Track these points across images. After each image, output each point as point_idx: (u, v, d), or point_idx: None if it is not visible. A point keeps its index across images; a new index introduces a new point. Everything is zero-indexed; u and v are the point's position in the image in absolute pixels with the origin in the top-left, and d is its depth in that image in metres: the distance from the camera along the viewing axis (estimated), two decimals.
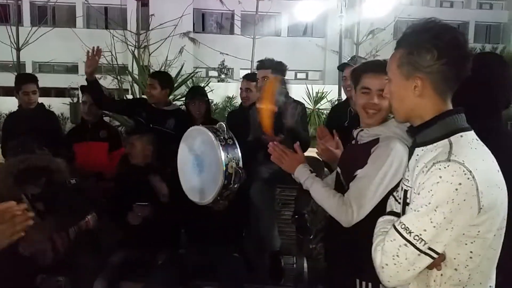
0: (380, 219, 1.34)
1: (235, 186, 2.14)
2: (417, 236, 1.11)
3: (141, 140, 2.98)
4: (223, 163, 2.06)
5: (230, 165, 2.08)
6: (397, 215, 1.32)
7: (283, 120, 3.05)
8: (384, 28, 15.84)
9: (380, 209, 1.54)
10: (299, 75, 21.02)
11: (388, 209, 1.41)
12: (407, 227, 1.13)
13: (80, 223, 2.86)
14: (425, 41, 1.19)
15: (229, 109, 12.18)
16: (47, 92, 17.57)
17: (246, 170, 2.70)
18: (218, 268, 2.67)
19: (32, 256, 2.63)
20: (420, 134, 1.24)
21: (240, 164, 2.12)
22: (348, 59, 3.86)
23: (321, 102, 15.05)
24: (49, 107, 5.85)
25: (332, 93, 14.74)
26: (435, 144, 1.19)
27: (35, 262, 2.66)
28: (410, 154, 1.30)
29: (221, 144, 2.09)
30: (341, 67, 3.55)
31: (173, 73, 8.46)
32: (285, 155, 1.89)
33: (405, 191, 1.26)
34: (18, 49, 9.43)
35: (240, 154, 2.14)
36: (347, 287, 1.76)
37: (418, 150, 1.24)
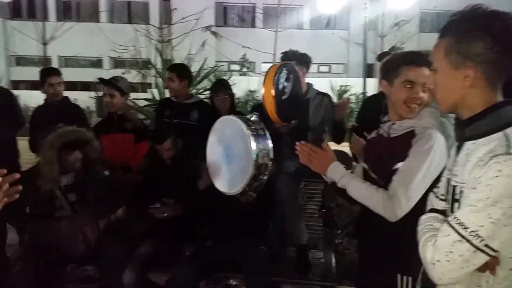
0: (423, 217, 1.29)
1: (265, 177, 2.11)
2: (473, 232, 1.05)
3: (165, 146, 2.99)
4: (253, 153, 2.02)
5: (261, 156, 2.05)
6: (439, 212, 1.27)
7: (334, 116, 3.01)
8: (409, 20, 15.48)
9: (419, 204, 1.50)
10: (322, 69, 20.79)
11: (428, 206, 1.36)
12: (463, 223, 1.07)
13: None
14: (476, 29, 1.12)
15: (251, 103, 12.14)
16: (72, 86, 17.92)
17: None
18: (243, 261, 2.65)
19: (63, 246, 2.67)
20: (471, 127, 1.18)
21: (271, 155, 2.09)
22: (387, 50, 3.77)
23: (344, 96, 14.85)
24: (75, 101, 5.94)
25: (356, 86, 14.53)
26: (487, 137, 1.12)
27: (66, 253, 2.70)
28: (458, 148, 1.24)
29: (252, 134, 2.06)
30: (381, 57, 3.43)
31: (195, 67, 8.48)
32: (314, 154, 1.82)
33: (454, 187, 1.20)
34: (45, 44, 9.62)
35: (271, 146, 2.11)
36: (385, 283, 1.71)
37: (468, 144, 1.18)
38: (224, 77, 10.53)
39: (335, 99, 13.67)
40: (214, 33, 14.68)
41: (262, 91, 2.58)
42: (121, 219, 3.10)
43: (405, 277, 1.67)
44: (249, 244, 2.76)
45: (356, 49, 17.83)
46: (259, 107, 3.90)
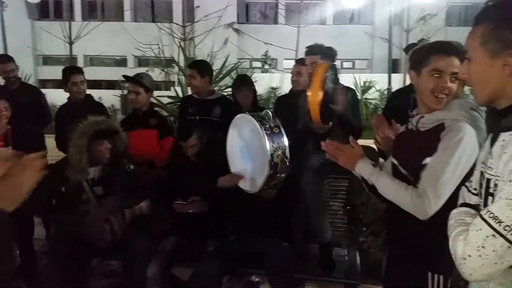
0: (454, 211, 1.24)
1: (282, 175, 2.08)
2: (508, 226, 1.00)
3: (190, 143, 2.99)
4: (268, 152, 2.00)
5: (276, 155, 2.03)
6: (471, 206, 1.22)
7: (333, 107, 2.95)
8: (436, 14, 15.11)
9: (451, 198, 1.45)
10: (345, 64, 20.52)
11: (460, 201, 1.30)
12: (496, 217, 1.02)
13: (135, 208, 2.93)
14: None
15: (273, 100, 12.11)
16: (98, 84, 18.29)
17: (295, 159, 2.65)
18: (266, 257, 2.63)
19: (91, 237, 2.72)
20: (508, 118, 1.12)
21: (287, 153, 2.06)
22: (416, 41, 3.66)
23: (369, 92, 14.60)
24: (99, 99, 6.06)
25: (381, 82, 14.27)
26: None
27: (93, 244, 2.75)
28: (493, 139, 1.18)
29: (266, 133, 2.03)
30: (409, 49, 3.33)
31: (217, 64, 8.51)
32: (340, 152, 1.78)
33: (488, 180, 1.14)
34: (71, 43, 9.83)
35: (286, 143, 2.07)
36: (415, 281, 1.66)
37: (504, 135, 1.12)
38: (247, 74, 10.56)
39: (358, 95, 13.45)
40: (236, 30, 14.72)
41: (308, 93, 2.53)
42: (146, 214, 3.13)
43: (436, 276, 1.61)
44: (272, 241, 2.74)
45: (380, 44, 17.51)
46: (285, 98, 3.88)
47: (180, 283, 2.91)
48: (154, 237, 3.00)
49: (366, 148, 2.95)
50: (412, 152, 1.69)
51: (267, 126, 2.09)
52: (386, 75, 14.51)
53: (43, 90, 5.03)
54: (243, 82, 3.69)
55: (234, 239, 2.95)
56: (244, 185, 2.28)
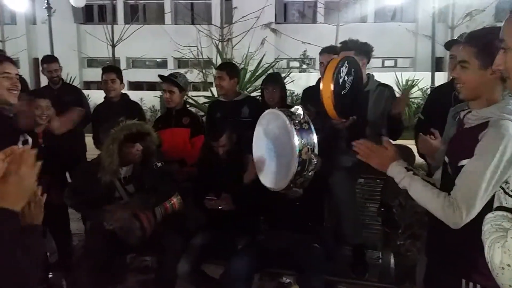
0: (490, 215, 1.15)
1: (310, 173, 2.01)
2: None
3: (221, 142, 3.00)
4: (296, 148, 1.94)
5: (304, 151, 1.95)
6: (508, 210, 1.12)
7: (393, 111, 2.86)
8: (483, 9, 14.36)
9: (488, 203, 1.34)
10: (387, 63, 19.97)
11: (496, 204, 1.20)
12: None
13: (166, 205, 2.96)
14: None
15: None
16: (139, 86, 18.84)
17: (326, 157, 2.57)
18: (297, 257, 2.58)
19: (122, 235, 2.77)
20: None
21: (316, 150, 1.98)
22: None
23: (411, 91, 14.10)
24: (141, 100, 6.22)
25: (424, 80, 13.76)
26: None
27: (125, 242, 2.80)
28: None
29: (295, 129, 1.97)
30: (449, 45, 3.18)
31: (254, 64, 8.51)
32: (373, 153, 1.71)
33: None
34: (113, 46, 10.16)
35: (315, 140, 2.00)
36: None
37: None
38: (284, 74, 10.50)
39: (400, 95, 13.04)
40: (274, 30, 14.71)
41: (321, 85, 2.48)
42: (177, 210, 3.16)
43: (471, 284, 1.50)
44: (303, 241, 2.69)
45: (424, 41, 16.90)
46: (311, 90, 3.81)
47: (210, 281, 2.91)
48: (185, 234, 3.03)
49: (403, 148, 2.85)
50: (455, 151, 1.60)
51: (296, 121, 2.03)
52: (429, 74, 13.98)
53: (87, 91, 5.22)
54: (271, 80, 3.68)
55: (263, 237, 2.92)
56: (268, 182, 2.23)
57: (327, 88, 2.40)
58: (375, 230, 3.14)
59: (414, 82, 14.29)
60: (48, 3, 10.89)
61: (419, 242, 3.69)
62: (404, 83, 14.20)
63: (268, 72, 8.75)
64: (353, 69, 2.54)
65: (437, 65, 14.32)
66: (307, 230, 2.76)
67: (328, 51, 3.52)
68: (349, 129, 2.86)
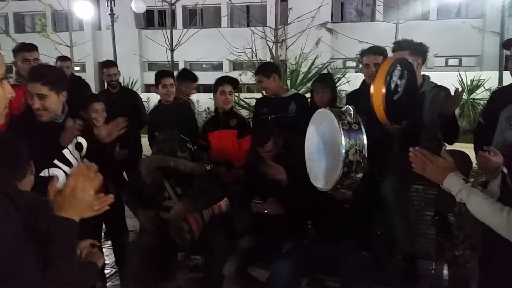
0: None
1: (358, 175, 1.94)
2: None
3: (266, 148, 2.98)
4: (343, 148, 1.88)
5: (352, 152, 1.90)
6: None
7: (444, 110, 2.73)
8: None
9: None
10: (451, 62, 18.95)
11: None
12: None
13: (214, 207, 3.01)
14: None
15: None
16: (196, 88, 19.32)
17: (378, 161, 2.48)
18: (343, 264, 2.52)
19: (173, 234, 2.86)
20: None
21: (365, 151, 1.92)
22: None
23: (476, 91, 13.25)
24: (197, 102, 6.39)
25: (491, 80, 12.89)
26: None
27: (175, 242, 2.88)
28: None
29: (343, 129, 1.91)
30: (508, 44, 2.96)
31: (308, 65, 8.42)
32: (429, 162, 1.63)
33: None
34: (172, 50, 10.50)
35: (365, 141, 1.93)
36: None
37: None
38: (337, 75, 10.30)
39: (465, 96, 12.31)
40: (330, 30, 14.48)
41: (371, 89, 2.40)
42: (225, 212, 3.20)
43: None
44: (350, 247, 2.61)
45: (491, 38, 15.85)
46: (356, 93, 3.70)
47: (256, 283, 2.92)
48: (233, 236, 3.06)
49: (460, 154, 2.69)
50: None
51: (345, 121, 1.97)
52: (497, 73, 13.08)
53: (148, 94, 5.43)
54: (321, 81, 3.64)
55: (309, 242, 2.88)
56: (318, 182, 2.19)
57: (379, 95, 2.31)
58: (431, 239, 2.99)
59: (480, 82, 13.39)
60: (111, 10, 11.53)
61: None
62: (468, 83, 13.37)
63: (321, 72, 8.65)
64: (406, 71, 2.42)
65: (505, 63, 13.35)
66: (356, 237, 2.69)
67: (372, 52, 3.38)
68: (403, 132, 2.75)
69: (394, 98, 2.37)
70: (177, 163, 2.88)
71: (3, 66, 1.12)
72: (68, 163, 2.50)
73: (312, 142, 2.24)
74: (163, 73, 4.15)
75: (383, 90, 2.27)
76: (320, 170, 2.16)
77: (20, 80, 3.64)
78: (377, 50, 3.37)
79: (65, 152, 2.51)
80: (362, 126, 1.97)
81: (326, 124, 2.10)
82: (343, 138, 1.90)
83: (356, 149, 1.90)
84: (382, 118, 2.36)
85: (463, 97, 12.49)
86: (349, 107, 2.03)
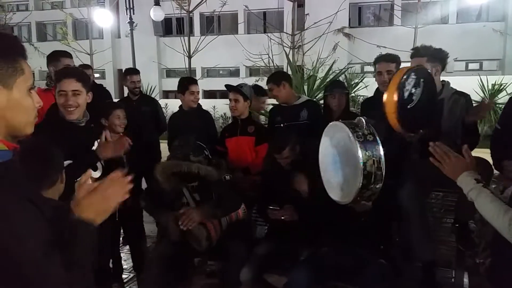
0: None
1: (377, 186, 1.93)
2: None
3: (284, 155, 2.99)
4: (361, 161, 1.87)
5: (369, 164, 1.88)
6: None
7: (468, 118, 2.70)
8: None
9: None
10: (471, 66, 18.65)
11: None
12: None
13: (231, 214, 3.03)
14: None
15: None
16: (213, 94, 19.49)
17: (396, 170, 2.45)
18: (361, 272, 2.49)
19: (190, 241, 2.89)
20: None
21: (382, 162, 1.90)
22: None
23: (498, 96, 12.96)
24: (214, 108, 6.44)
25: None
26: None
27: (193, 247, 2.91)
28: None
29: (359, 141, 1.90)
30: None
31: (325, 70, 8.40)
32: (447, 158, 1.63)
33: None
34: (190, 57, 10.62)
35: (381, 152, 1.91)
36: None
37: None
38: (355, 80, 10.24)
39: (486, 101, 12.08)
40: (347, 35, 14.41)
41: (384, 97, 2.38)
42: (242, 219, 3.21)
43: None
44: (367, 255, 2.59)
45: None
46: (371, 101, 3.67)
47: None
48: (249, 242, 3.07)
49: (481, 161, 2.64)
50: None
51: (360, 133, 1.96)
52: None
53: (166, 100, 5.50)
54: (334, 87, 3.65)
55: (327, 250, 2.86)
56: (335, 195, 2.18)
57: (391, 104, 2.30)
58: (451, 247, 2.93)
59: (502, 87, 13.12)
60: (131, 18, 11.73)
61: None
62: (490, 87, 13.11)
63: (339, 77, 8.61)
64: (422, 79, 2.40)
65: None
66: (373, 245, 2.66)
67: (384, 59, 3.35)
68: (421, 140, 2.71)
69: (408, 107, 2.34)
70: (190, 167, 2.87)
71: (31, 77, 1.15)
72: (94, 167, 2.54)
73: (327, 154, 2.24)
74: (191, 80, 4.16)
75: (395, 99, 2.26)
76: (337, 183, 2.16)
77: (49, 83, 3.80)
78: (389, 58, 3.34)
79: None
80: (377, 137, 1.95)
81: (340, 137, 2.09)
82: (359, 150, 1.89)
83: (373, 160, 1.89)
84: (395, 127, 2.35)
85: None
86: (361, 118, 2.02)
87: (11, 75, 1.07)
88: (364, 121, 2.02)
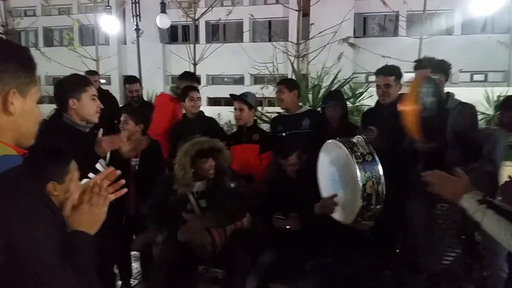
0: None
1: (377, 207, 1.91)
2: None
3: (291, 161, 2.98)
4: (360, 182, 1.85)
5: (369, 185, 1.86)
6: None
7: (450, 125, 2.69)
8: None
9: None
10: (476, 77, 18.63)
11: None
12: None
13: (236, 223, 3.02)
14: None
15: None
16: (217, 101, 19.52)
17: (401, 181, 2.43)
18: (365, 283, 2.47)
19: (194, 248, 2.88)
20: None
21: (382, 182, 1.88)
22: None
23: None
24: (218, 116, 6.45)
25: None
26: None
27: (197, 255, 2.90)
28: None
29: (357, 161, 1.88)
30: None
31: (329, 80, 8.41)
32: (444, 183, 1.62)
33: None
34: (195, 64, 10.67)
35: (381, 172, 1.89)
36: None
37: None
38: (359, 89, 10.23)
39: (490, 111, 12.01)
40: (352, 45, 14.46)
41: (403, 107, 2.38)
42: (246, 227, 3.20)
43: None
44: (372, 266, 2.57)
45: None
46: (372, 112, 3.66)
47: None
48: (254, 251, 3.05)
49: (485, 174, 2.62)
50: None
51: (358, 153, 1.94)
52: None
53: None
54: (331, 98, 3.67)
55: (332, 260, 2.84)
56: (337, 215, 2.17)
57: (411, 112, 2.30)
58: (457, 259, 2.91)
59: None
60: (137, 25, 11.80)
61: None
62: (495, 98, 13.08)
63: (344, 87, 8.61)
64: (433, 90, 2.41)
65: None
66: (378, 256, 2.64)
67: (382, 73, 3.34)
68: (426, 151, 2.70)
69: (426, 116, 2.35)
70: (213, 143, 2.98)
71: (39, 91, 1.19)
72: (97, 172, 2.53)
73: (326, 171, 2.23)
74: (190, 86, 4.18)
75: (416, 108, 2.26)
76: (339, 203, 2.15)
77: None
78: (387, 71, 3.34)
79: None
80: (375, 156, 1.94)
81: (339, 156, 2.08)
82: (358, 172, 1.87)
83: (373, 181, 1.87)
84: (416, 136, 2.35)
85: (490, 113, 12.32)
86: (360, 137, 2.02)
87: (28, 84, 1.11)
88: (363, 140, 2.01)
